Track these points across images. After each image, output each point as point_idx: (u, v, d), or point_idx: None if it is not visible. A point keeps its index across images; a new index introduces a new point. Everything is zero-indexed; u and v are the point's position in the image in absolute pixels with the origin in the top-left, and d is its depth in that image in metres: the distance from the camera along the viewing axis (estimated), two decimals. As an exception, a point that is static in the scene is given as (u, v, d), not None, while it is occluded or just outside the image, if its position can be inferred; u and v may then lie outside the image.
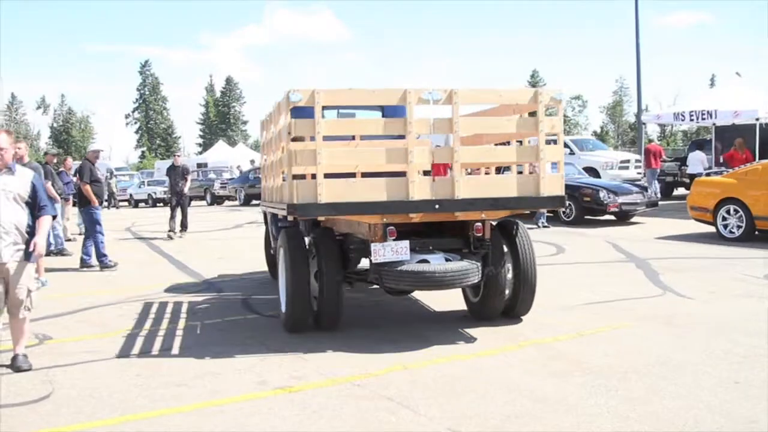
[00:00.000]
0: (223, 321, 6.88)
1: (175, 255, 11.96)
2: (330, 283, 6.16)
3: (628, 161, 22.02)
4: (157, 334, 6.50)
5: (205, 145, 74.89)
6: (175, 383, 5.00)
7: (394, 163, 6.21)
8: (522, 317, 6.70)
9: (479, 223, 6.21)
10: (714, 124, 19.02)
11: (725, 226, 12.06)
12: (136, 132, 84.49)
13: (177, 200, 14.99)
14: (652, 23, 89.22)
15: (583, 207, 14.91)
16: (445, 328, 6.44)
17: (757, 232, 11.70)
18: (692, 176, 16.22)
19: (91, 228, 10.67)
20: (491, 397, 4.59)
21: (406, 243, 5.94)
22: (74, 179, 15.90)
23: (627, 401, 4.44)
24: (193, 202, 30.70)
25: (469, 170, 7.97)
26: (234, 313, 7.26)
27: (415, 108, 5.90)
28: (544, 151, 6.13)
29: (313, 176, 5.96)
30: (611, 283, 8.52)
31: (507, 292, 6.60)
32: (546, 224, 14.52)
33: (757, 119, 15.84)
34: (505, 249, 6.57)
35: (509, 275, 6.58)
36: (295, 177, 6.00)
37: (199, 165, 38.97)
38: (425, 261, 5.96)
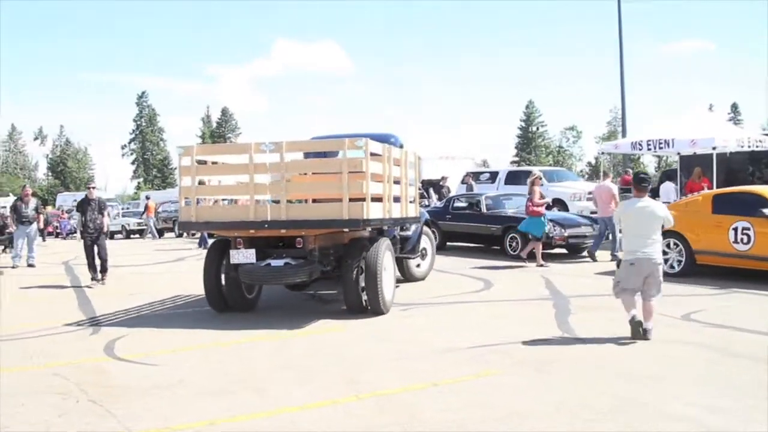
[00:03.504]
0: (63, 366, 6.32)
1: (86, 290, 11.44)
2: (228, 277, 8.47)
3: (595, 192, 21.38)
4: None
5: (200, 176, 74.72)
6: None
7: (243, 194, 9.04)
8: (380, 314, 8.24)
9: (299, 238, 8.02)
10: (679, 153, 18.48)
11: (665, 261, 11.44)
12: (132, 163, 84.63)
13: (92, 239, 12.21)
14: (653, 51, 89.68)
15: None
16: (303, 372, 5.99)
17: (698, 266, 11.13)
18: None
19: None
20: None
21: (252, 251, 7.99)
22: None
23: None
24: (164, 234, 30.30)
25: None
26: (87, 356, 6.73)
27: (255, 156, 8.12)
28: (345, 187, 7.84)
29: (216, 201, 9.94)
30: (513, 324, 7.96)
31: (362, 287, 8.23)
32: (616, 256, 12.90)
33: (714, 148, 15.26)
34: (362, 259, 8.22)
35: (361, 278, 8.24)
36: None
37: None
38: (269, 264, 7.93)
